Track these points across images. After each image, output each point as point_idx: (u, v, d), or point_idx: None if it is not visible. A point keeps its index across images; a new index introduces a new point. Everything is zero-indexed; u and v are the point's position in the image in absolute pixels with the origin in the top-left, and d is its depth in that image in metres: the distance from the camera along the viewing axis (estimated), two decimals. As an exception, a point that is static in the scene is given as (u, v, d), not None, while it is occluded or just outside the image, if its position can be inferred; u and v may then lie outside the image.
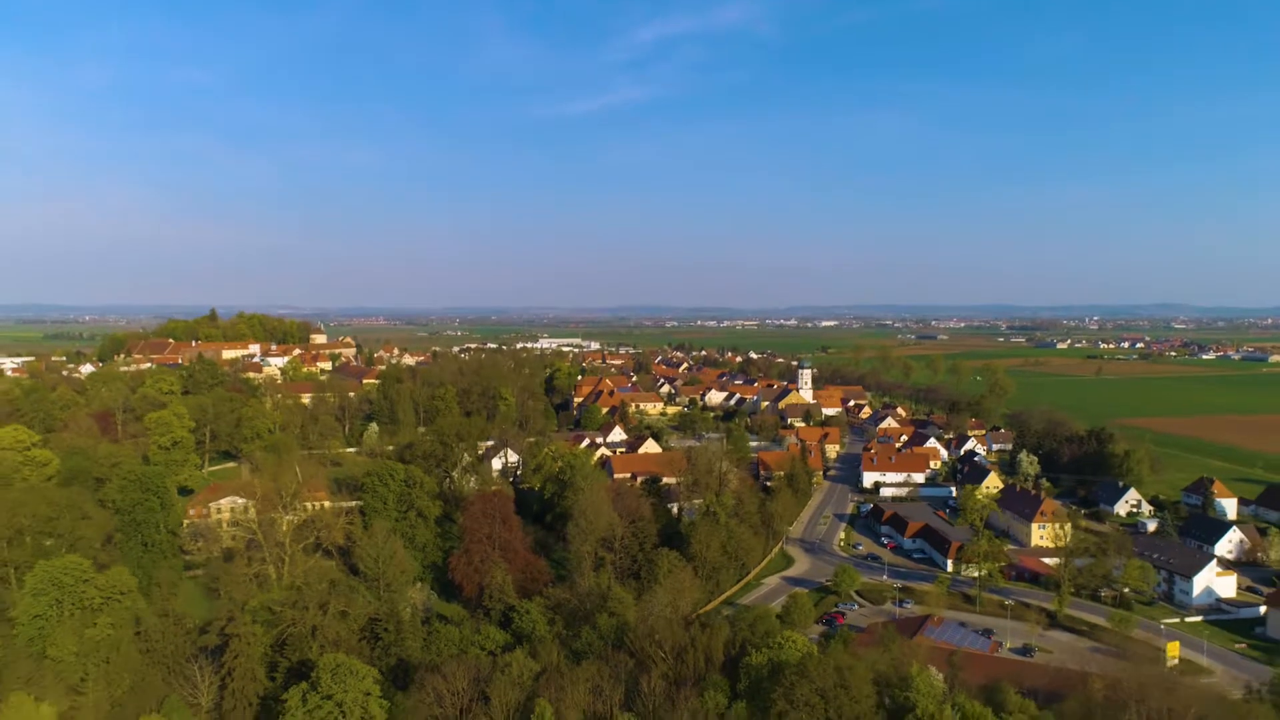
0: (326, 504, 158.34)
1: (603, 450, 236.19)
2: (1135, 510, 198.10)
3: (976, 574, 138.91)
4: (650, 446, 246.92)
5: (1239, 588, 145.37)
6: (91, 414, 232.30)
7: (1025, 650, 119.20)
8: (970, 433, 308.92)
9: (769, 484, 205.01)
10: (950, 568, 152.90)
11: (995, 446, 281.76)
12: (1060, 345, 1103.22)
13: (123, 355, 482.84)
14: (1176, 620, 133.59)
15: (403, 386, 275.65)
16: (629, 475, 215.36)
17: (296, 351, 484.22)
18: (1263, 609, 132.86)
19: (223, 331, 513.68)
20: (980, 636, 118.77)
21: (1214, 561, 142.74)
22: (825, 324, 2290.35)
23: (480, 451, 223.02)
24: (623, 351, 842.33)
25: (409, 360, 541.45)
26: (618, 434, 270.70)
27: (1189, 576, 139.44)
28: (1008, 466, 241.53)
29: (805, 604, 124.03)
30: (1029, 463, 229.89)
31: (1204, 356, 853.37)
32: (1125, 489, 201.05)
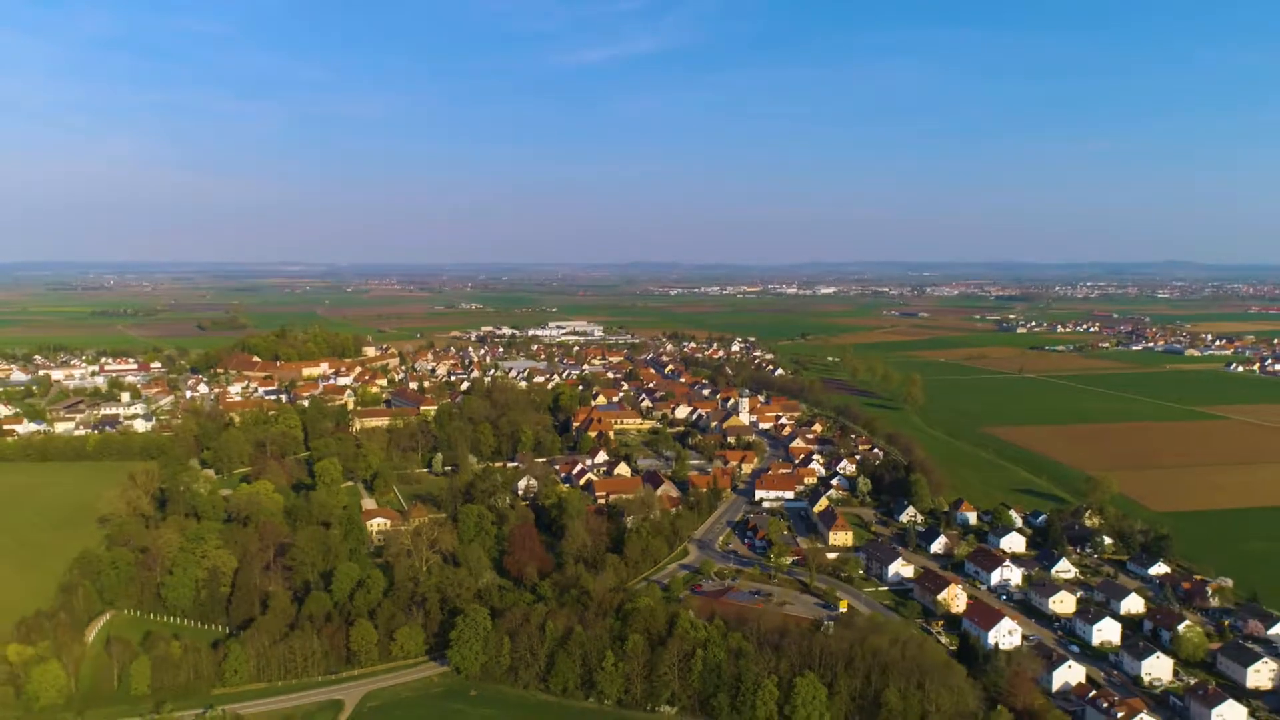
0: (426, 519, 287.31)
1: (589, 476, 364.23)
2: (912, 519, 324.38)
3: (774, 563, 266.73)
4: (622, 468, 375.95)
5: (921, 570, 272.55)
6: (254, 445, 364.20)
7: (781, 605, 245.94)
8: (860, 447, 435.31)
9: (690, 500, 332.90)
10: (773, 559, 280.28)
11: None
12: (1020, 330, 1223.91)
13: (223, 370, 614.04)
14: (873, 589, 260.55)
15: (454, 425, 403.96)
16: (605, 494, 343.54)
17: (358, 369, 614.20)
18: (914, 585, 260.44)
19: (297, 350, 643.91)
20: (757, 597, 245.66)
21: (900, 557, 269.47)
22: (824, 291, 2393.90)
23: (510, 476, 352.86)
24: (622, 344, 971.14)
25: (442, 369, 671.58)
26: (602, 456, 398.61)
27: (885, 565, 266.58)
28: (853, 484, 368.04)
29: (679, 581, 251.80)
30: (864, 483, 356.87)
31: (1133, 349, 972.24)
32: (906, 505, 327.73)
